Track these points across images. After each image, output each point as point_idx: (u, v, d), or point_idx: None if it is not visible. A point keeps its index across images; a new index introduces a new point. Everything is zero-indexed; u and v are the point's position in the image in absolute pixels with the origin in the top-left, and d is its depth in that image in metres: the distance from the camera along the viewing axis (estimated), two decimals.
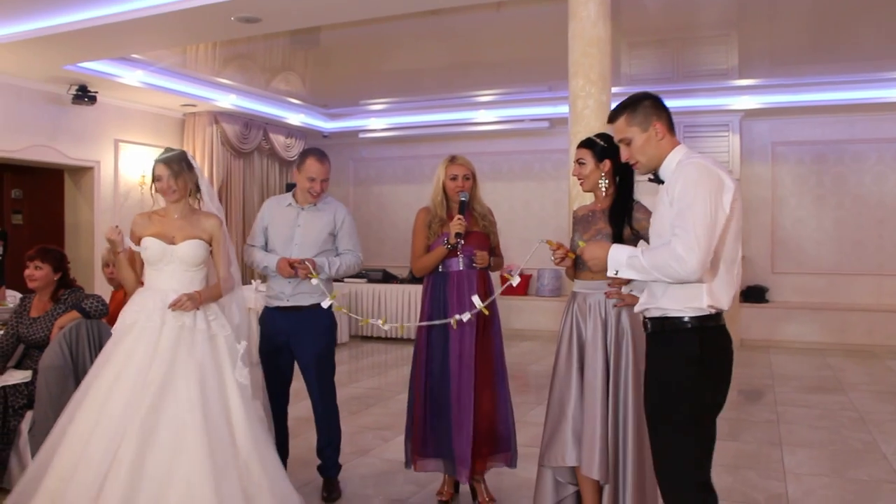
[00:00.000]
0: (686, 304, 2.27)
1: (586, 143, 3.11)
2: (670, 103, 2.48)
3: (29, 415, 3.74)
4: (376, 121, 11.05)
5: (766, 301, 9.38)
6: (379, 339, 9.69)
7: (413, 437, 3.63)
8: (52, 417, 3.47)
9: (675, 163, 2.35)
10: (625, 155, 2.46)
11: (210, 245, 3.27)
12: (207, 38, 7.07)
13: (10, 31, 6.50)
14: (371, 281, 9.94)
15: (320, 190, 3.75)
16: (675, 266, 2.18)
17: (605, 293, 2.92)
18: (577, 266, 3.07)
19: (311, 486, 3.92)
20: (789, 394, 6.40)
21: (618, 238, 2.94)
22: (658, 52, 8.07)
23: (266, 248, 3.81)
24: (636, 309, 2.49)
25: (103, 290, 5.91)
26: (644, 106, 2.39)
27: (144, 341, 3.00)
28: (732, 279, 2.32)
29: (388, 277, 10.06)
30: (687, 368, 2.27)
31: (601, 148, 3.06)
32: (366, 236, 11.80)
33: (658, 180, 2.43)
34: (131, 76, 8.09)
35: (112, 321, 4.09)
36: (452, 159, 3.67)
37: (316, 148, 3.93)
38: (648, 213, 3.00)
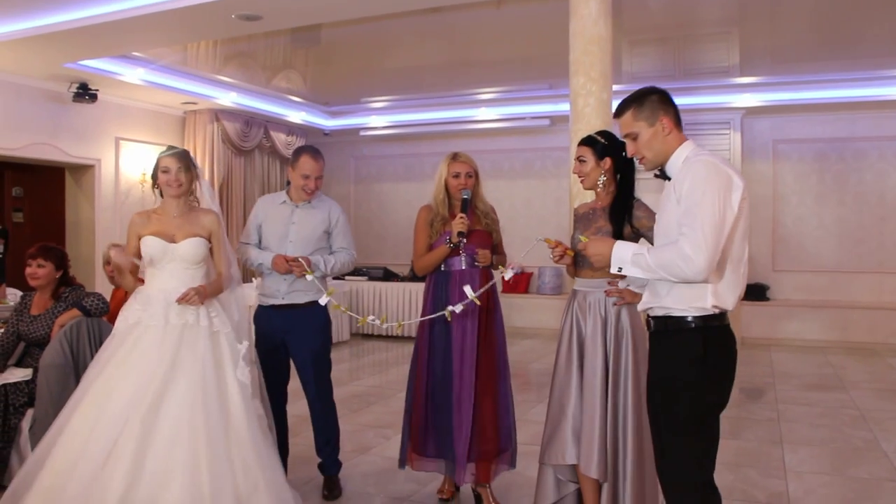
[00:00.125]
0: (690, 303, 2.25)
1: (587, 141, 3.11)
2: None
3: (30, 413, 3.74)
4: (377, 118, 11.04)
5: (767, 299, 9.37)
6: (380, 337, 9.70)
7: (412, 436, 3.60)
8: (52, 415, 3.47)
9: (682, 159, 2.32)
10: (631, 150, 2.42)
11: (210, 242, 3.27)
12: (208, 35, 7.07)
13: (11, 29, 6.50)
14: (372, 279, 9.95)
15: (315, 187, 3.75)
16: (682, 265, 2.15)
17: (605, 291, 2.92)
18: (577, 264, 3.07)
19: (311, 484, 3.92)
20: (790, 392, 6.39)
21: (618, 236, 2.93)
22: (659, 50, 8.05)
23: (259, 245, 3.80)
24: (640, 307, 2.48)
25: (104, 287, 5.92)
26: (651, 100, 2.36)
27: (147, 340, 3.01)
28: (738, 279, 2.29)
29: (388, 275, 10.06)
30: (690, 368, 2.25)
31: (602, 146, 3.05)
32: (366, 234, 11.83)
33: (664, 176, 2.40)
34: (132, 74, 8.09)
35: (112, 319, 4.10)
36: (455, 157, 3.62)
37: (310, 145, 3.94)
38: (649, 212, 2.99)
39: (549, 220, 10.18)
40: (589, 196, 3.26)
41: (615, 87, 5.81)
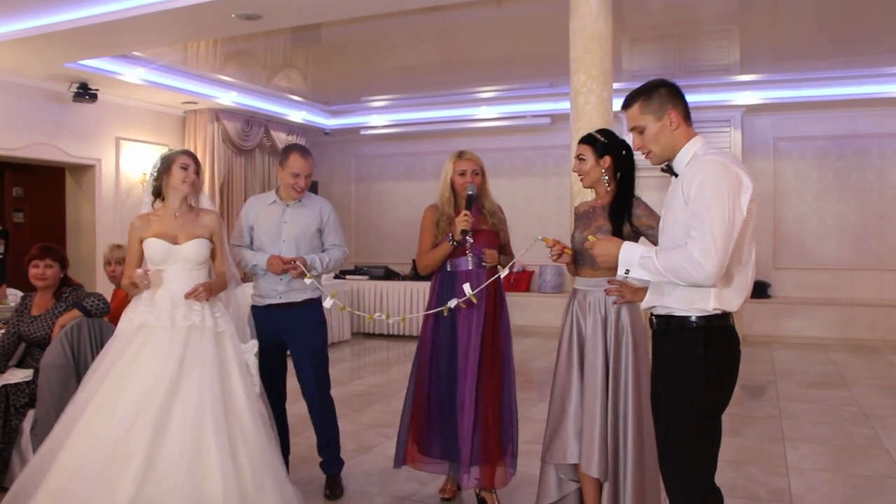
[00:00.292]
0: (692, 305, 2.23)
1: (587, 139, 3.10)
2: None
3: (31, 413, 3.74)
4: (378, 117, 11.04)
5: (769, 296, 9.37)
6: (381, 336, 9.70)
7: (416, 437, 3.56)
8: (53, 416, 3.48)
9: (689, 156, 2.27)
10: (637, 144, 2.37)
11: (212, 242, 3.29)
12: (208, 35, 7.06)
13: (11, 29, 6.49)
14: (373, 278, 9.95)
15: (304, 185, 3.75)
16: (691, 270, 2.11)
17: (605, 290, 2.91)
18: (577, 263, 3.07)
19: (313, 484, 3.92)
20: (792, 389, 6.39)
21: (617, 235, 2.93)
22: (659, 48, 8.04)
23: (251, 247, 3.80)
24: (643, 306, 2.46)
25: (105, 288, 5.92)
26: (660, 93, 2.30)
27: (155, 341, 3.02)
28: (745, 282, 2.26)
29: (389, 274, 10.06)
30: (691, 367, 2.23)
31: (601, 144, 3.05)
32: (367, 233, 11.83)
33: (671, 172, 2.35)
34: (132, 74, 8.09)
35: (113, 319, 4.10)
36: (460, 154, 3.57)
37: (298, 143, 3.94)
38: (649, 210, 2.99)
39: (550, 219, 10.17)
40: (590, 194, 3.25)
41: (616, 85, 5.81)
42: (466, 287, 3.25)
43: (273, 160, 11.00)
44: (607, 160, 3.04)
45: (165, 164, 3.26)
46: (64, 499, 2.74)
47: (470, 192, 3.45)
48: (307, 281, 3.55)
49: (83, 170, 8.84)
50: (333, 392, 3.92)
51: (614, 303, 2.93)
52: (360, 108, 11.01)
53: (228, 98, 9.41)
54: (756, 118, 9.52)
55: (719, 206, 2.11)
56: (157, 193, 3.30)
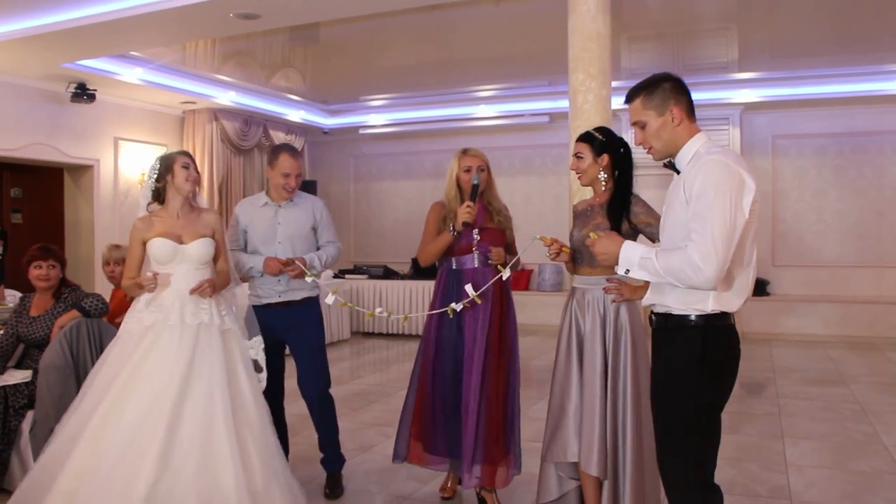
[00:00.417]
0: (691, 305, 2.22)
1: (585, 137, 3.10)
2: None
3: (30, 414, 3.73)
4: (376, 117, 11.04)
5: (767, 294, 9.38)
6: (380, 335, 9.70)
7: (420, 434, 3.53)
8: (52, 417, 3.48)
9: (692, 153, 2.24)
10: (638, 139, 2.34)
11: (215, 240, 3.32)
12: (206, 34, 7.07)
13: (8, 29, 6.49)
14: (372, 277, 9.94)
15: (295, 185, 3.75)
16: (691, 274, 2.09)
17: (604, 289, 2.91)
18: (575, 261, 3.07)
19: (313, 483, 3.91)
20: (791, 386, 6.40)
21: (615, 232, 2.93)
22: (658, 46, 8.06)
23: (246, 250, 3.79)
24: (643, 303, 2.45)
25: (103, 288, 5.91)
26: (662, 88, 2.27)
27: (165, 340, 3.04)
28: (745, 283, 2.24)
29: (388, 273, 10.06)
30: (689, 366, 2.21)
31: (599, 142, 3.05)
32: (366, 232, 11.83)
33: (673, 168, 2.32)
34: (130, 74, 8.08)
35: (112, 319, 4.10)
36: (465, 151, 3.54)
37: (286, 144, 3.93)
38: (647, 208, 2.99)
39: (549, 217, 10.18)
40: (588, 193, 3.25)
41: (614, 84, 5.82)
42: (469, 288, 3.25)
43: None
44: (605, 158, 3.04)
45: (166, 166, 3.26)
46: (77, 499, 2.76)
47: (475, 183, 3.41)
48: (308, 279, 3.56)
49: (81, 170, 8.84)
50: (333, 391, 3.91)
51: (613, 301, 2.93)
52: (358, 108, 11.01)
53: (227, 98, 9.40)
54: (754, 116, 9.52)
55: (721, 209, 2.08)
56: (158, 196, 3.30)
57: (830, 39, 7.59)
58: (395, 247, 11.38)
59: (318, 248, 3.85)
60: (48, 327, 3.88)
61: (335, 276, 9.59)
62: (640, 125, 2.31)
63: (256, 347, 3.34)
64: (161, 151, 3.38)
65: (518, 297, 9.77)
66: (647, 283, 2.39)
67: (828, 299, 9.11)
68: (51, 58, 7.12)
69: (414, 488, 3.91)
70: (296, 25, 6.84)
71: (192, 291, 3.11)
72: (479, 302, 3.27)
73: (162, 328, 3.06)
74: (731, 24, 7.42)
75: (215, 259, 3.35)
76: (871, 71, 8.36)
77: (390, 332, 9.57)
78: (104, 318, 3.91)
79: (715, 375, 2.24)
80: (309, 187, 9.11)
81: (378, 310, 3.53)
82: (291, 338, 3.77)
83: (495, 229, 3.53)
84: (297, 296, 3.73)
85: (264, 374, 3.34)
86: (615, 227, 2.94)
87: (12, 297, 5.86)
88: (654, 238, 2.93)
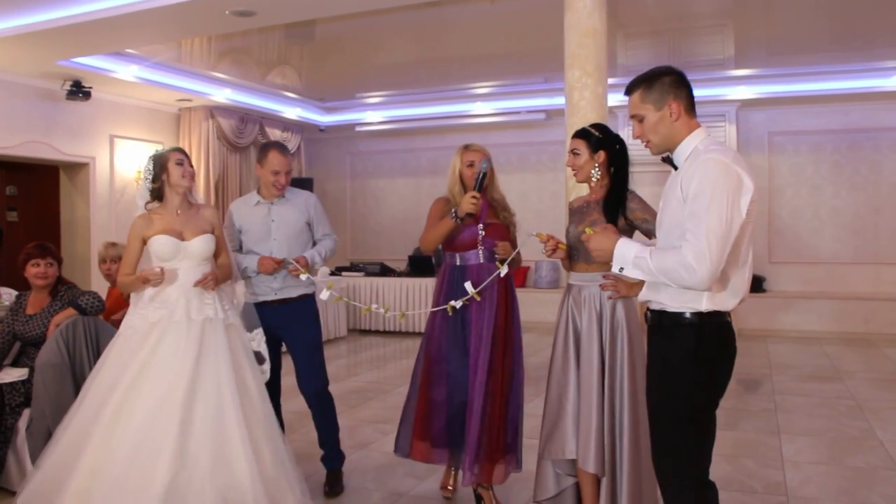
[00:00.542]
0: (685, 303, 2.21)
1: (581, 134, 3.09)
2: None
3: (26, 413, 3.73)
4: (373, 114, 11.02)
5: (764, 291, 9.40)
6: (377, 332, 9.70)
7: (417, 435, 3.49)
8: (49, 415, 3.48)
9: (690, 149, 2.22)
10: (636, 132, 2.32)
11: (214, 235, 3.34)
12: (202, 32, 7.04)
13: (3, 27, 6.46)
14: (369, 274, 9.94)
15: (285, 182, 3.75)
16: (684, 274, 2.08)
17: (600, 285, 2.91)
18: (571, 258, 3.07)
19: (311, 480, 3.90)
20: (787, 383, 6.41)
21: None
22: (654, 43, 8.04)
23: (241, 250, 3.80)
24: (640, 298, 2.45)
25: (100, 286, 5.91)
26: (662, 82, 2.24)
27: (172, 337, 3.07)
28: (741, 282, 2.23)
29: (385, 271, 10.05)
30: (683, 363, 2.21)
31: (596, 139, 3.04)
32: (363, 230, 11.83)
33: (671, 163, 2.31)
34: (126, 71, 8.06)
35: (108, 317, 4.10)
36: (467, 147, 3.53)
37: (275, 141, 3.94)
38: (643, 204, 2.99)
39: (546, 214, 10.18)
40: (585, 190, 3.25)
41: (610, 80, 5.81)
42: (468, 285, 3.24)
43: None
44: (602, 155, 3.03)
45: (160, 166, 3.27)
46: (92, 498, 2.78)
47: (483, 170, 3.35)
48: (303, 277, 3.57)
49: (77, 168, 8.82)
50: (330, 388, 3.91)
51: (609, 297, 2.93)
52: (354, 105, 10.99)
53: (223, 95, 9.39)
54: (751, 113, 9.53)
55: (717, 209, 2.06)
56: (158, 196, 3.30)
57: (827, 36, 7.59)
58: (392, 244, 11.38)
59: (314, 243, 3.86)
60: (44, 325, 3.88)
61: (332, 274, 9.58)
62: (638, 118, 2.30)
63: (258, 339, 3.41)
64: (157, 149, 3.35)
65: None
66: (643, 280, 2.38)
67: (824, 296, 9.13)
68: (46, 55, 7.10)
69: (411, 485, 3.91)
70: (291, 22, 6.81)
71: (197, 284, 3.15)
72: (478, 299, 3.26)
73: (168, 324, 3.08)
74: (728, 21, 7.41)
75: (216, 254, 3.37)
76: (867, 68, 8.37)
77: (387, 329, 9.57)
78: (100, 315, 3.90)
79: (709, 373, 2.23)
80: (305, 185, 9.10)
81: (374, 305, 3.53)
82: (288, 335, 3.77)
83: (500, 225, 3.52)
84: (294, 293, 3.74)
85: (267, 365, 3.41)
86: (611, 223, 2.94)
87: (8, 295, 5.84)
88: (650, 234, 2.93)
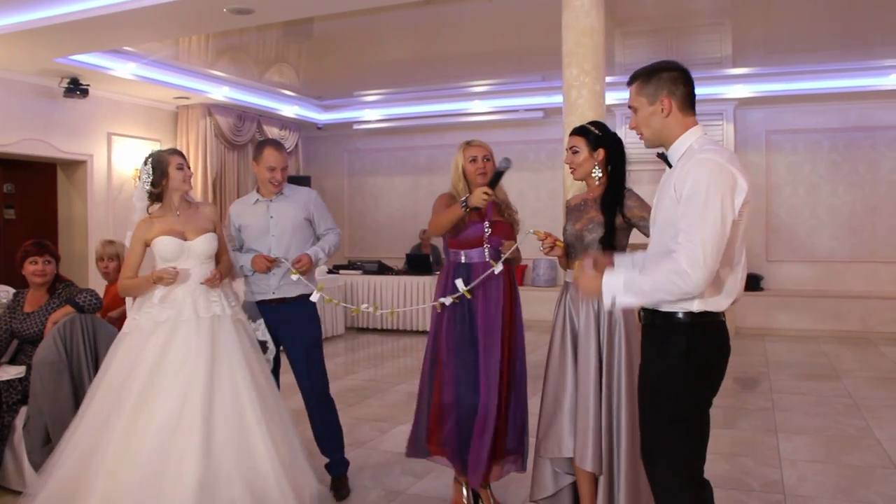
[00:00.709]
0: (678, 303, 2.18)
1: (580, 132, 3.08)
2: None
3: (23, 410, 3.73)
4: (370, 112, 11.02)
5: (761, 289, 9.41)
6: (374, 330, 9.69)
7: (433, 439, 3.39)
8: (46, 413, 3.47)
9: (685, 147, 2.21)
10: (632, 123, 2.32)
11: (216, 232, 3.36)
12: (200, 30, 7.04)
13: (0, 24, 6.44)
14: (366, 272, 9.93)
15: (282, 178, 3.75)
16: (679, 282, 2.06)
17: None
18: (569, 255, 3.07)
19: None
20: (784, 381, 6.42)
21: (610, 226, 2.93)
22: (652, 41, 8.06)
23: (242, 249, 3.79)
24: None
25: (97, 283, 5.90)
26: (658, 77, 2.23)
27: (182, 336, 3.09)
28: (735, 283, 2.21)
29: (383, 269, 10.05)
30: (674, 362, 2.19)
31: (595, 136, 3.04)
32: (361, 227, 11.82)
33: (666, 160, 2.29)
34: (123, 69, 8.05)
35: (105, 314, 4.09)
36: (469, 143, 3.50)
37: (270, 139, 3.93)
38: (640, 202, 2.98)
39: (543, 213, 10.17)
40: (581, 187, 3.24)
41: (608, 79, 5.82)
42: (459, 283, 3.23)
43: None
44: (601, 153, 3.03)
45: (161, 171, 3.26)
46: (118, 499, 2.80)
47: (504, 166, 3.29)
48: (294, 278, 3.57)
49: (75, 165, 8.81)
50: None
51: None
52: (352, 103, 10.99)
53: (221, 93, 9.38)
54: (748, 111, 9.54)
55: (712, 212, 2.05)
56: (158, 198, 3.29)
57: (824, 35, 7.61)
58: (390, 242, 11.37)
59: (317, 239, 3.85)
60: (42, 323, 3.87)
61: (329, 272, 9.58)
62: (634, 109, 2.31)
63: (262, 329, 3.52)
64: (154, 147, 3.36)
65: None
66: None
67: (821, 294, 9.14)
68: (43, 53, 7.09)
69: (408, 483, 3.91)
70: (289, 20, 6.81)
71: (205, 282, 3.20)
72: (468, 297, 3.25)
73: (176, 323, 3.11)
74: (725, 20, 7.43)
75: (218, 252, 3.37)
76: (864, 66, 8.38)
77: (384, 327, 9.56)
78: (98, 313, 3.90)
79: (702, 373, 2.21)
80: (303, 183, 9.08)
81: (363, 306, 3.52)
82: (285, 335, 3.74)
83: (505, 223, 3.49)
84: (292, 292, 3.71)
85: (271, 353, 3.49)
86: (609, 220, 2.94)
87: (5, 293, 5.84)
88: (647, 232, 2.92)
